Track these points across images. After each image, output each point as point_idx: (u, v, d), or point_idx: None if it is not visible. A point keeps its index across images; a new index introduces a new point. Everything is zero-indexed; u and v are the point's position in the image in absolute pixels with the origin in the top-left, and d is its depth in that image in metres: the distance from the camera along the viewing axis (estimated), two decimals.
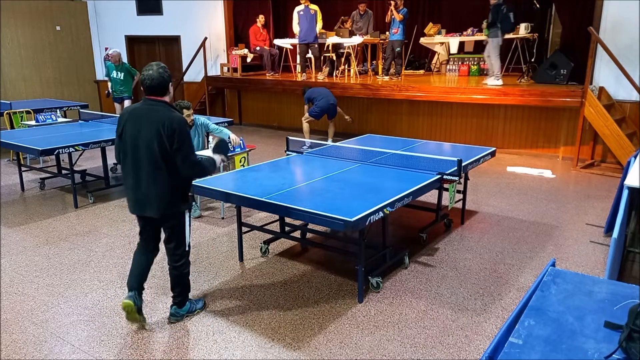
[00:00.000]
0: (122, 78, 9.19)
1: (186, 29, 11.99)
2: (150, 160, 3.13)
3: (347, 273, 4.27)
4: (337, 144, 5.66)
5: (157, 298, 3.88)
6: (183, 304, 3.57)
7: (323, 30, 10.44)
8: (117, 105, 9.52)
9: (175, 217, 3.33)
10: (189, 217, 3.41)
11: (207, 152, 5.69)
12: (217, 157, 3.56)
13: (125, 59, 12.72)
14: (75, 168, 6.45)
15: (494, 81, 8.43)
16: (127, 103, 9.37)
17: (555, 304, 1.96)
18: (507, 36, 9.66)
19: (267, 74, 11.13)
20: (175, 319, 3.57)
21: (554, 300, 1.99)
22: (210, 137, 5.96)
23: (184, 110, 5.70)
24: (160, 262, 4.48)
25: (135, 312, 3.35)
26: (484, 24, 9.37)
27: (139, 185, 3.20)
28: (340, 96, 9.93)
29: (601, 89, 7.74)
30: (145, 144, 3.12)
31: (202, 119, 6.16)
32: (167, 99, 3.24)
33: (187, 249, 3.44)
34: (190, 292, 3.62)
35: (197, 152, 5.66)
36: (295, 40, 11.06)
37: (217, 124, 7.20)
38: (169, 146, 3.10)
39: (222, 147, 3.73)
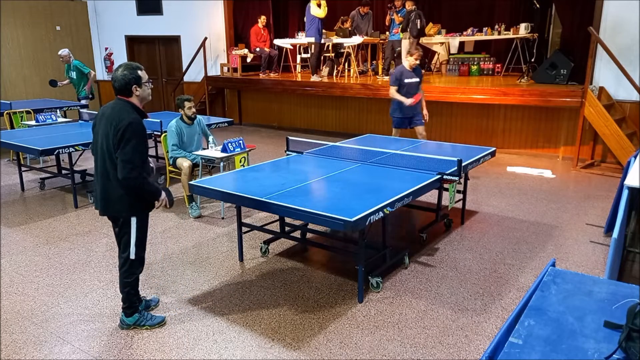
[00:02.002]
0: (74, 77, 9.07)
1: (186, 29, 11.99)
2: (102, 158, 3.16)
3: (347, 273, 4.27)
4: (337, 143, 5.65)
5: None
6: (129, 314, 3.43)
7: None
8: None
9: (122, 220, 3.26)
10: (136, 226, 3.25)
11: (205, 152, 5.73)
12: (163, 193, 3.34)
13: (124, 59, 12.76)
14: (75, 168, 6.45)
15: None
16: (84, 102, 9.21)
17: (555, 304, 1.96)
18: (507, 36, 9.73)
19: (260, 74, 11.12)
20: (121, 325, 3.47)
21: (554, 300, 1.99)
22: (210, 138, 5.97)
23: (186, 103, 5.75)
24: (160, 263, 4.50)
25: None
26: (399, 28, 9.72)
27: (97, 180, 3.26)
28: (341, 96, 9.96)
29: (601, 89, 7.74)
30: (100, 142, 3.16)
31: (204, 121, 6.20)
32: (134, 99, 3.16)
33: (130, 257, 3.29)
34: (135, 308, 3.45)
35: (194, 152, 5.76)
36: (295, 40, 11.07)
37: (216, 124, 7.28)
38: (114, 146, 3.06)
39: (170, 194, 3.60)
